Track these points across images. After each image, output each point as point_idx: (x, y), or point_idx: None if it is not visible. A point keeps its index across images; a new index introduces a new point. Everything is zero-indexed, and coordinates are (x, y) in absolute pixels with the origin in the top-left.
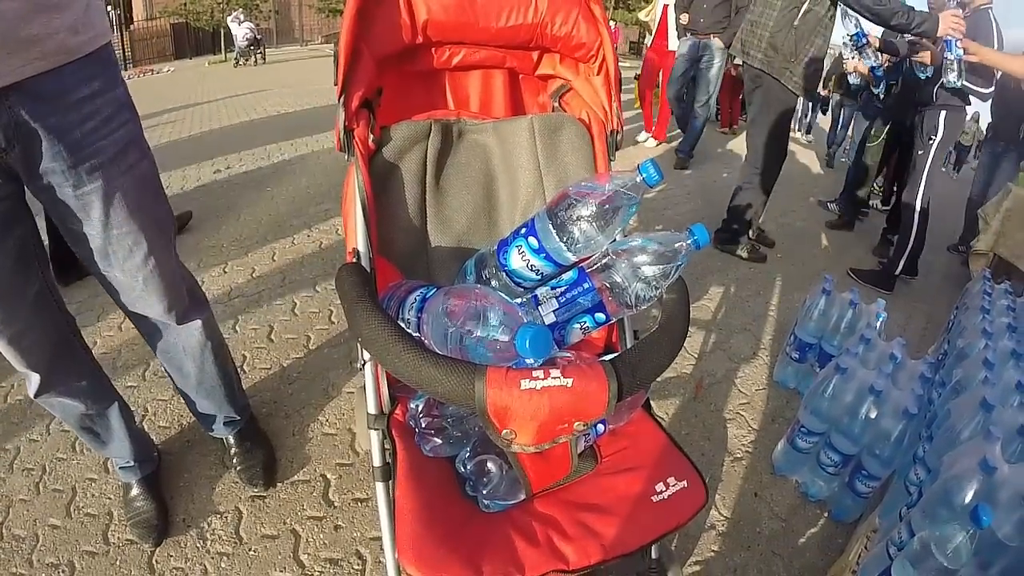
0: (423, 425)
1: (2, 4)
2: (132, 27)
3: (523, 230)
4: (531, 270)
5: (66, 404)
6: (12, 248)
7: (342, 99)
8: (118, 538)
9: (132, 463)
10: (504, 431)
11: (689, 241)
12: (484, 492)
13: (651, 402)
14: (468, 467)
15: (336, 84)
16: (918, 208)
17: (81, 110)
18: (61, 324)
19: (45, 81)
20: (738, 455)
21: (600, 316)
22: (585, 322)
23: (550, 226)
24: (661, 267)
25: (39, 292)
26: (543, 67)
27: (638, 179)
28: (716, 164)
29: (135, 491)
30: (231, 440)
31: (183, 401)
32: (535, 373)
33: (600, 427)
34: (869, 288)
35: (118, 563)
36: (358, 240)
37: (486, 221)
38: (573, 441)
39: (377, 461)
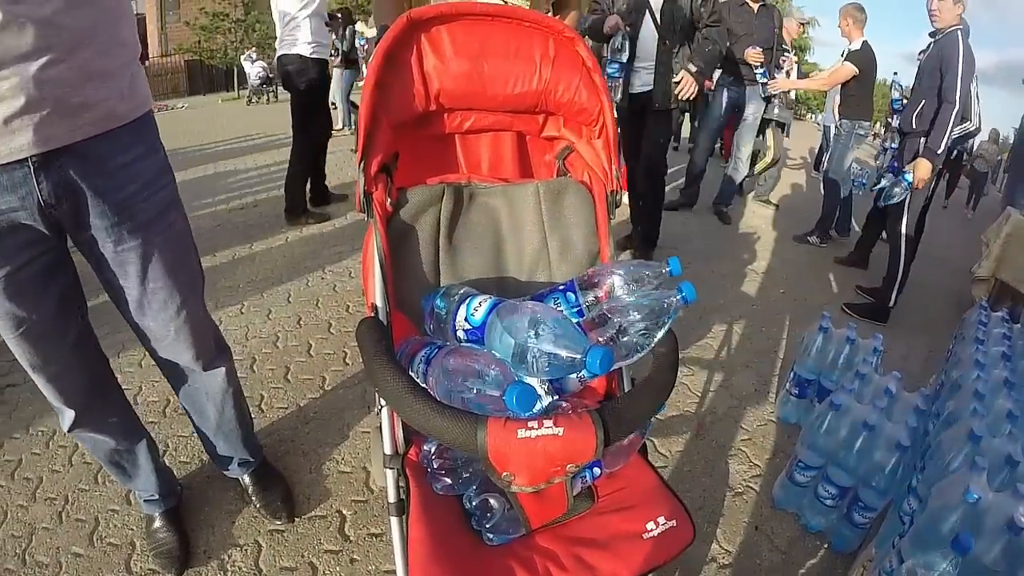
0: (435, 466)
1: (56, 71)
2: (147, 63)
3: (561, 286)
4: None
5: (97, 439)
6: (56, 294)
7: (362, 164)
8: (140, 567)
9: (156, 496)
10: (504, 474)
11: (678, 298)
12: (488, 527)
13: (647, 446)
14: (474, 503)
15: (356, 151)
16: (903, 235)
17: (126, 172)
18: (97, 364)
19: (94, 144)
20: (739, 490)
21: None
22: (581, 372)
23: (584, 294)
24: (652, 322)
25: (78, 335)
26: (548, 130)
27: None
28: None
29: (158, 523)
30: (247, 479)
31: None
32: (530, 423)
33: (596, 470)
34: (865, 322)
35: None
36: (376, 296)
37: (496, 279)
38: (568, 482)
39: (392, 497)
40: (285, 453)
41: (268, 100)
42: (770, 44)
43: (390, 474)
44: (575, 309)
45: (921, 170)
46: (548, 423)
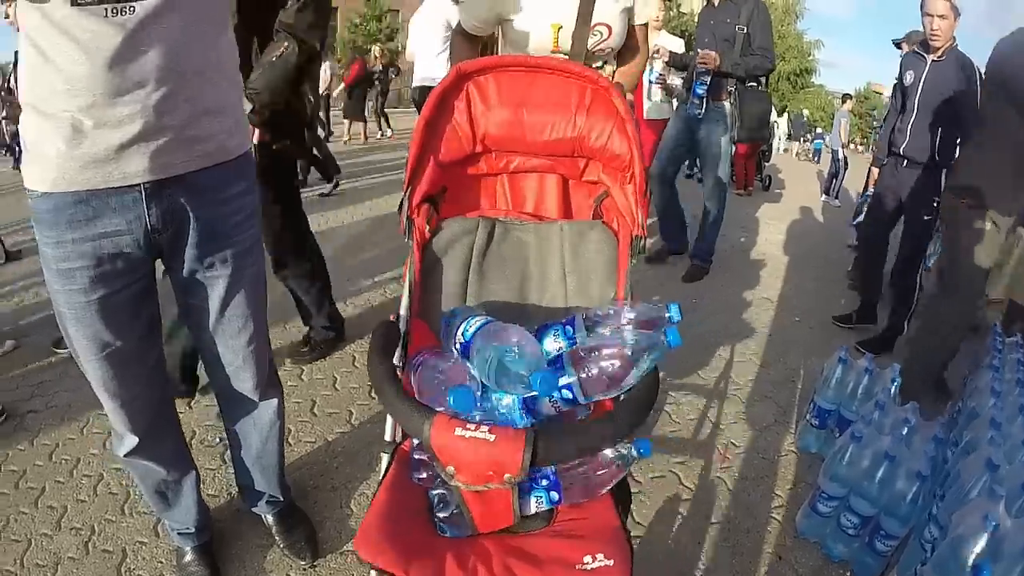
0: (416, 457)
1: (174, 103)
2: None
3: (563, 322)
4: (558, 350)
5: (150, 468)
6: (144, 320)
7: (407, 193)
8: None
9: (192, 530)
10: (448, 467)
11: (661, 340)
12: (441, 516)
13: (628, 485)
14: (434, 494)
15: (404, 181)
16: (920, 274)
17: (229, 205)
18: (164, 392)
19: (204, 176)
20: (762, 519)
21: (567, 394)
22: (554, 396)
23: (583, 329)
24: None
25: (156, 362)
26: (588, 174)
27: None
28: (734, 228)
29: (189, 557)
30: (271, 519)
31: (234, 472)
32: (469, 424)
33: (554, 495)
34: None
35: None
36: (402, 307)
37: (517, 307)
38: (514, 496)
39: (382, 477)
40: (314, 488)
41: None
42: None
43: (385, 457)
44: (570, 341)
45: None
46: (484, 428)
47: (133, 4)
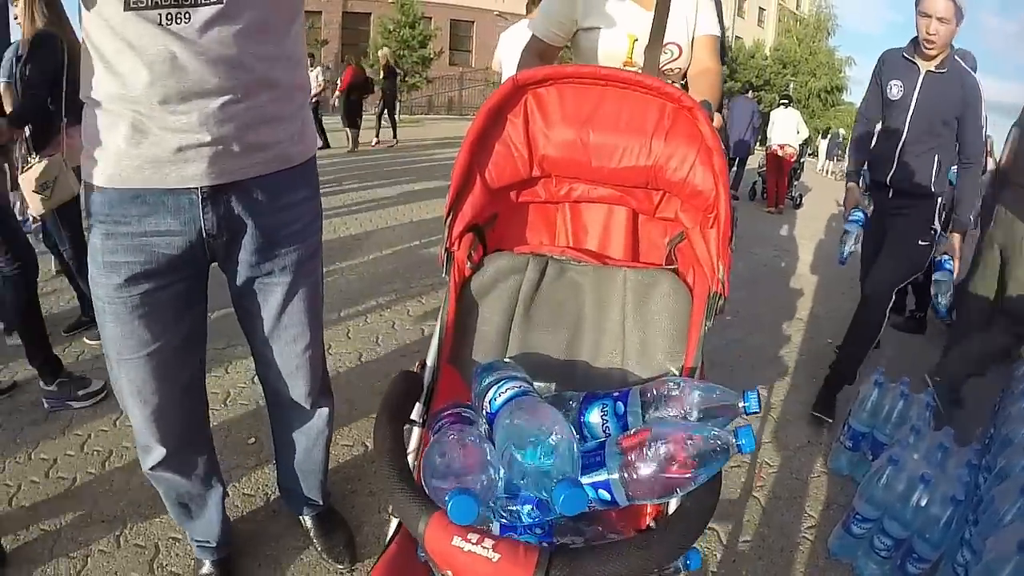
0: None
1: (235, 110)
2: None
3: (615, 394)
4: (603, 430)
5: (175, 481)
6: (186, 326)
7: (447, 221)
8: None
9: (212, 544)
10: (445, 571)
11: (734, 444)
12: None
13: None
14: None
15: (445, 206)
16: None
17: (288, 213)
18: (199, 407)
19: (263, 183)
20: (795, 540)
21: (604, 495)
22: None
23: (639, 408)
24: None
25: (192, 375)
26: (664, 210)
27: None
28: (765, 247)
29: (206, 570)
30: (309, 523)
31: (276, 472)
32: (470, 535)
33: None
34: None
35: None
36: (429, 355)
37: (565, 366)
38: None
39: (385, 547)
40: (352, 492)
41: None
42: None
43: (393, 523)
44: (619, 421)
45: (957, 248)
46: (487, 543)
47: (189, 11)
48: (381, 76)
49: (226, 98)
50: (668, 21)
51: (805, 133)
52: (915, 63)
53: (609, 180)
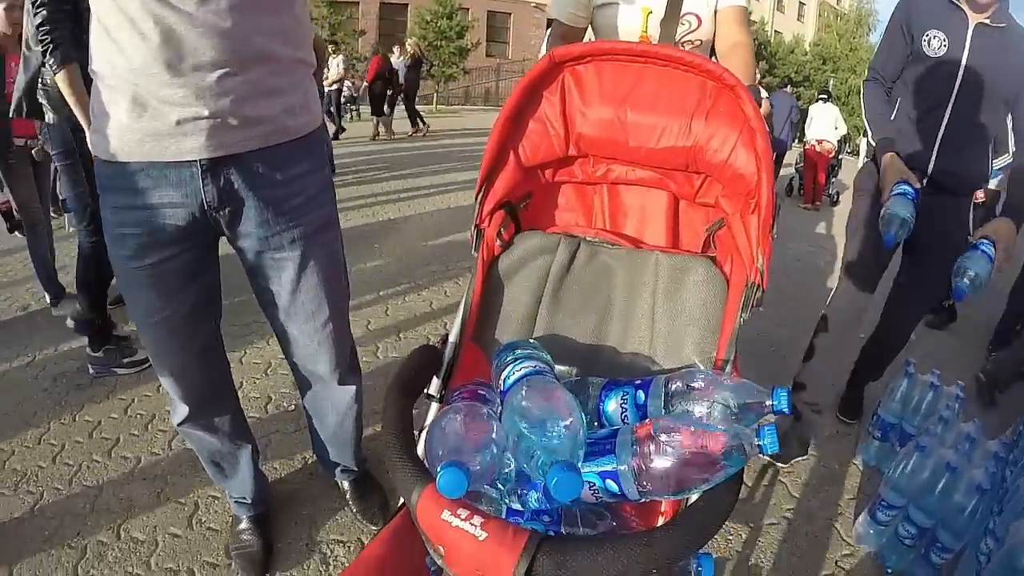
0: None
1: (231, 83)
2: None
3: (637, 383)
4: (621, 419)
5: (204, 438)
6: (194, 293)
7: (478, 199)
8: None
9: (248, 500)
10: (437, 547)
11: (755, 444)
12: None
13: None
14: (431, 564)
15: (477, 182)
16: None
17: (291, 186)
18: (218, 369)
19: (262, 156)
20: (820, 525)
21: (612, 485)
22: (593, 483)
23: (661, 399)
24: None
25: (207, 339)
26: (704, 195)
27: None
28: (800, 242)
29: (244, 525)
30: (346, 485)
31: (310, 437)
32: (460, 511)
33: None
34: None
35: None
36: (452, 331)
37: (590, 347)
38: None
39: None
40: (381, 458)
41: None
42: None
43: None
44: (638, 411)
45: (1006, 236)
46: (476, 521)
47: None
48: (407, 65)
49: (223, 71)
50: None
51: (843, 129)
52: (962, 9)
53: (647, 161)
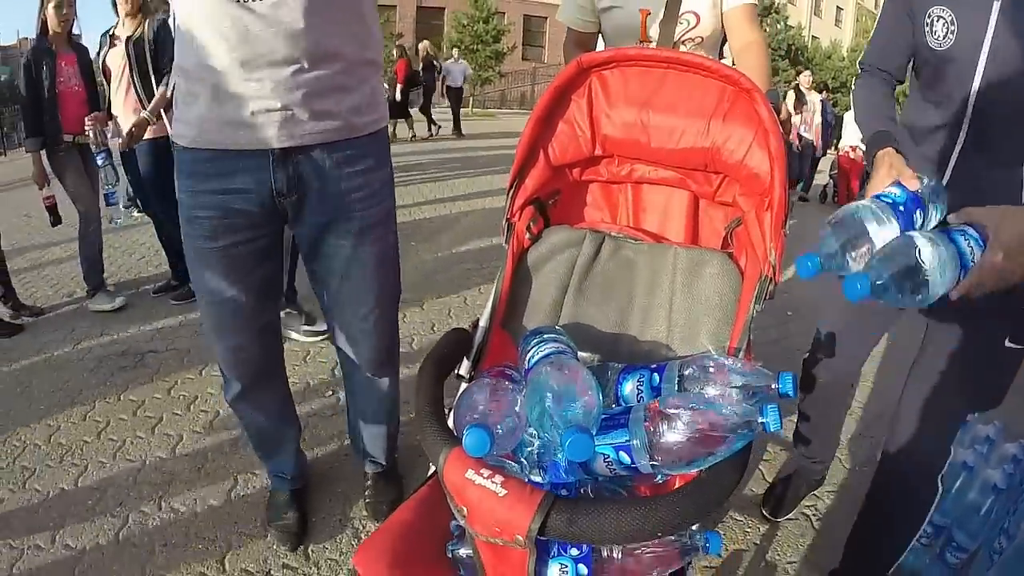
0: None
1: (303, 79)
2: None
3: (652, 367)
4: (637, 400)
5: (253, 414)
6: (260, 276)
7: (509, 193)
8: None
9: (287, 476)
10: (460, 507)
11: (759, 421)
12: (457, 553)
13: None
14: (456, 525)
15: (509, 180)
16: None
17: (354, 180)
18: (275, 348)
19: (329, 149)
20: (839, 523)
21: (624, 457)
22: (608, 455)
23: (674, 382)
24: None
25: (268, 320)
26: (723, 194)
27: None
28: None
29: (281, 499)
30: (369, 476)
31: (347, 422)
32: (482, 470)
33: (583, 569)
34: None
35: (275, 547)
36: (483, 316)
37: (612, 338)
38: (531, 558)
39: (416, 489)
40: (417, 456)
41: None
42: None
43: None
44: (653, 392)
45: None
46: (497, 479)
47: None
48: (420, 68)
49: (295, 67)
50: None
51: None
52: None
53: (669, 161)
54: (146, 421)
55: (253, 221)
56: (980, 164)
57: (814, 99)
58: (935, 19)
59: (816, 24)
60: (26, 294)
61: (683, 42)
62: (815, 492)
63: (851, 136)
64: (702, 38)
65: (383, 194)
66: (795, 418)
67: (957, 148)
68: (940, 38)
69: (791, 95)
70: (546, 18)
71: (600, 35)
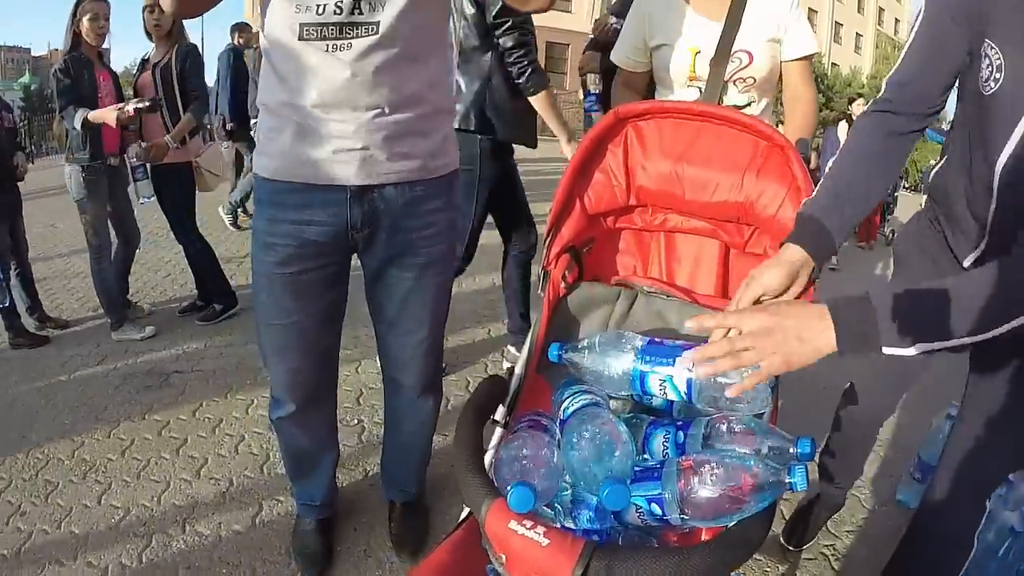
0: None
1: (383, 122)
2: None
3: (679, 423)
4: (663, 456)
5: (297, 435)
6: (327, 302)
7: (546, 242)
8: None
9: (316, 503)
10: (499, 555)
11: (787, 481)
12: None
13: None
14: (491, 573)
15: (546, 229)
16: None
17: (423, 219)
18: (331, 374)
19: (404, 188)
20: (857, 564)
21: (656, 509)
22: (640, 506)
23: (699, 441)
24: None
25: (330, 345)
26: (753, 246)
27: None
28: (851, 283)
29: (307, 527)
30: (395, 504)
31: (382, 451)
32: (525, 520)
33: None
34: None
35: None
36: (518, 363)
37: None
38: None
39: (452, 530)
40: (444, 488)
41: None
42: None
43: (465, 511)
44: (678, 449)
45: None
46: (539, 530)
47: (350, 41)
48: None
49: (376, 111)
50: (739, 28)
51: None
52: None
53: (702, 213)
54: (171, 442)
55: (325, 250)
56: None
57: None
58: (983, 55)
59: (836, 51)
60: (51, 305)
61: (734, 82)
62: (834, 531)
63: None
64: (754, 78)
65: (448, 233)
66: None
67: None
68: (985, 79)
69: (843, 126)
70: (568, 44)
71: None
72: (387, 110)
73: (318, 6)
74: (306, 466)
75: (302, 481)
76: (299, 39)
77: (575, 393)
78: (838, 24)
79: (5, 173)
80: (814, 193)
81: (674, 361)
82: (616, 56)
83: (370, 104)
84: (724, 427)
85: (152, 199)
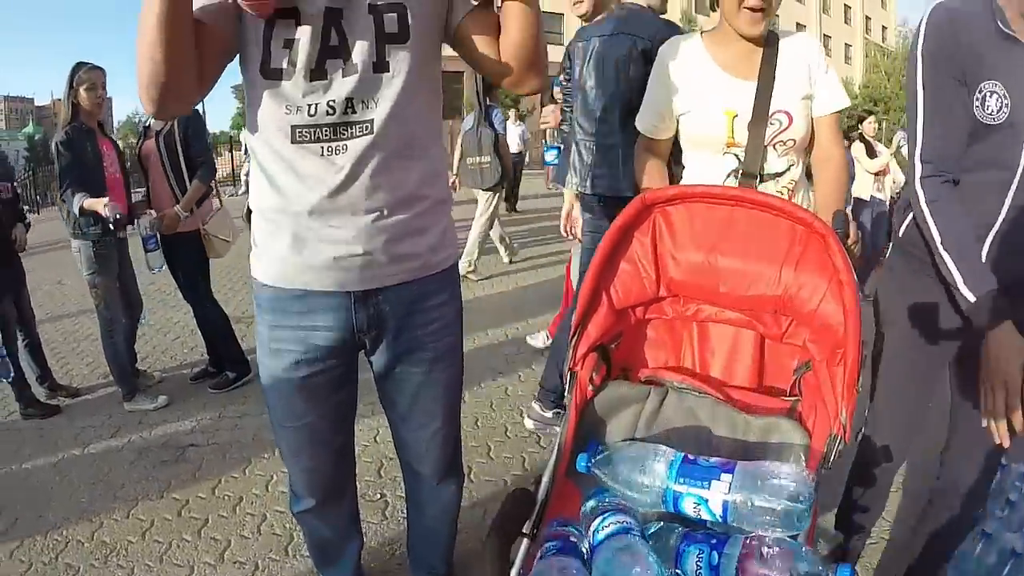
0: None
1: (382, 225)
2: None
3: (713, 541)
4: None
5: (320, 527)
6: (336, 402)
7: (572, 342)
8: None
9: None
10: None
11: None
12: None
13: None
14: None
15: (572, 328)
16: None
17: (428, 315)
18: (349, 466)
19: (408, 288)
20: None
21: None
22: None
23: (734, 564)
24: None
25: (344, 443)
26: (791, 337)
27: None
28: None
29: None
30: None
31: (407, 532)
32: None
33: None
34: None
35: None
36: (545, 473)
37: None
38: None
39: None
40: (473, 568)
41: None
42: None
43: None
44: (712, 572)
45: None
46: None
47: (346, 143)
48: None
49: (376, 214)
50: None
51: (901, 180)
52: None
53: (738, 305)
54: (191, 522)
55: (332, 353)
56: None
57: (882, 149)
58: (987, 94)
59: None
60: (61, 371)
61: (773, 145)
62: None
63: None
64: (794, 140)
65: (455, 325)
66: None
67: (1004, 209)
68: (994, 112)
69: (858, 146)
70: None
71: (682, 140)
72: (386, 212)
73: (310, 107)
74: (332, 555)
75: (328, 569)
76: (292, 142)
77: (605, 513)
78: (826, 36)
79: (5, 247)
80: (971, 271)
81: (710, 484)
82: (641, 124)
83: (369, 208)
84: (759, 546)
85: (163, 268)
